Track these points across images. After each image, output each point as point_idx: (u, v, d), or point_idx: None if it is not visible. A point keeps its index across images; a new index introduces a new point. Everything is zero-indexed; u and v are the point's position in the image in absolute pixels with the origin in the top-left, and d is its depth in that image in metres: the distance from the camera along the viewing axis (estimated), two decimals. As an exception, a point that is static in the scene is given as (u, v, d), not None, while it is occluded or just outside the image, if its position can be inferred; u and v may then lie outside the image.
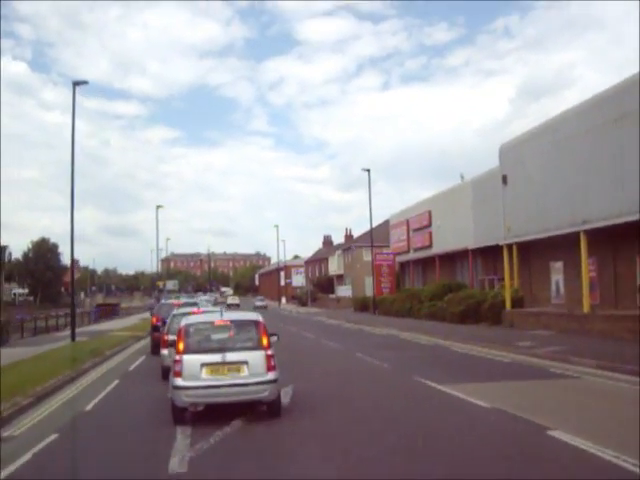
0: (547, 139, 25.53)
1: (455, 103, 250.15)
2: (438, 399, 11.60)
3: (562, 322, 23.98)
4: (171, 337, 13.69)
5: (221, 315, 10.84)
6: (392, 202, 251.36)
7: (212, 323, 10.53)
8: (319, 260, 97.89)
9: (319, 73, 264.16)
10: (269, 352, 10.10)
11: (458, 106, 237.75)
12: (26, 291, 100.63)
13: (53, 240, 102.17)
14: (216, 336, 10.36)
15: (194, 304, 22.76)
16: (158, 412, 10.69)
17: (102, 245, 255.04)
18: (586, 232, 22.61)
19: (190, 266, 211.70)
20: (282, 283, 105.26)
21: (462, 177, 45.19)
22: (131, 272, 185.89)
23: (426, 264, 47.49)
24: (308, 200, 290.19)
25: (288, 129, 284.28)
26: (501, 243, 29.60)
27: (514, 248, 28.90)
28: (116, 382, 15.37)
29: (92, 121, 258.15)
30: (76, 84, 28.28)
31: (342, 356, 20.22)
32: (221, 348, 10.02)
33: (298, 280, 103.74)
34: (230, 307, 77.88)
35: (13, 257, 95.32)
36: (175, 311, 17.61)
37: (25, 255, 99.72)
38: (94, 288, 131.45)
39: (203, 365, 9.79)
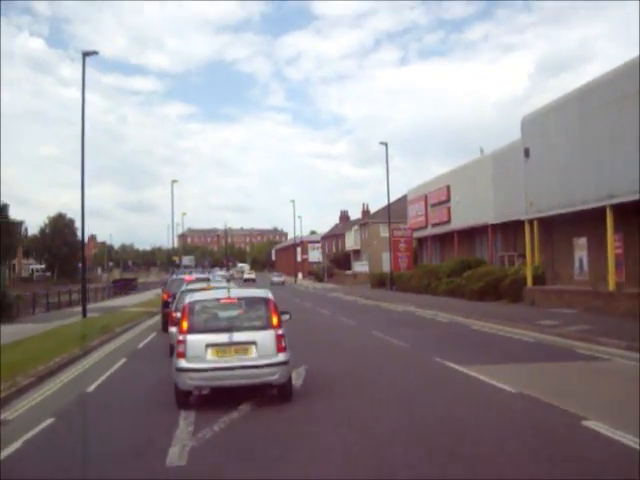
0: (572, 110, 24.42)
1: (473, 79, 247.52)
2: (460, 382, 10.87)
3: (586, 300, 23.12)
4: (179, 314, 13.07)
5: (228, 292, 10.19)
6: (409, 178, 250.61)
7: (218, 300, 9.89)
8: (336, 236, 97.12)
9: (336, 48, 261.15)
10: (279, 332, 9.42)
11: (476, 82, 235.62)
12: (43, 266, 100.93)
13: (72, 216, 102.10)
14: (223, 315, 9.73)
15: (206, 279, 22.05)
16: (162, 395, 10.05)
17: (120, 221, 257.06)
18: (612, 207, 21.66)
19: (207, 242, 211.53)
20: (299, 259, 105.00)
21: (482, 151, 44.16)
22: (148, 248, 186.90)
23: (444, 240, 46.62)
24: (325, 176, 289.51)
25: (305, 104, 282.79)
26: (522, 218, 28.69)
27: (535, 223, 27.98)
28: (123, 361, 14.86)
29: (109, 97, 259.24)
30: (86, 54, 27.79)
31: (358, 334, 19.56)
32: (228, 327, 9.40)
33: (315, 256, 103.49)
34: (246, 282, 77.94)
35: (30, 233, 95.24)
36: (184, 287, 16.97)
37: (42, 231, 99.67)
38: (111, 264, 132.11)
39: (208, 346, 9.15)
